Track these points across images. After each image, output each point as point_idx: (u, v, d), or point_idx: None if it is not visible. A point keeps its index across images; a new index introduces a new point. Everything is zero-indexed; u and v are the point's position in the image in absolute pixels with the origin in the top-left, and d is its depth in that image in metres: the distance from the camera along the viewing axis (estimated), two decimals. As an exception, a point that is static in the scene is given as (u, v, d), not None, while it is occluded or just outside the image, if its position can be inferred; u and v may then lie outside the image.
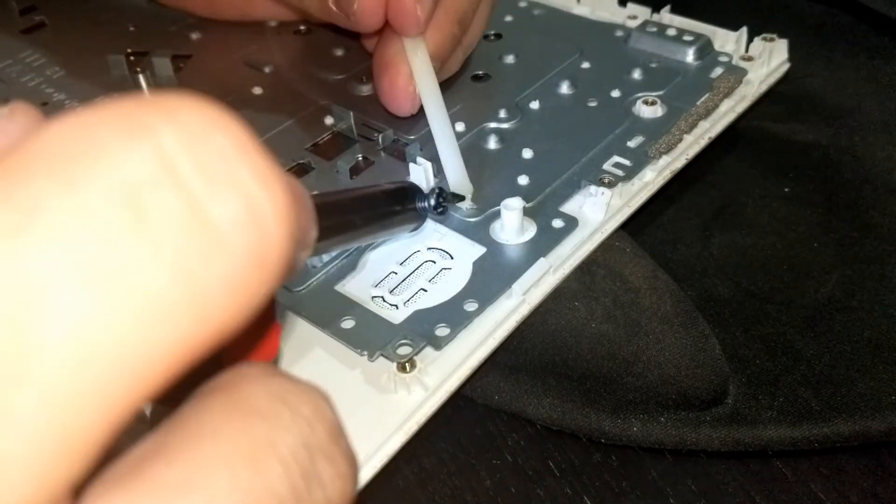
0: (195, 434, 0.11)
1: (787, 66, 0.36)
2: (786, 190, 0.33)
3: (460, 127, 0.32)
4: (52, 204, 0.09)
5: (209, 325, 0.10)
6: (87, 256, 0.09)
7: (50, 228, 0.09)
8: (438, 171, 0.30)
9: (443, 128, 0.29)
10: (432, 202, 0.27)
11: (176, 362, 0.10)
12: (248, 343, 0.15)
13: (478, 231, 0.28)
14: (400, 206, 0.26)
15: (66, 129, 0.10)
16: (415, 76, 0.31)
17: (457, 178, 0.29)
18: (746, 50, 0.36)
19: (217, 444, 0.11)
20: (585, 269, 0.27)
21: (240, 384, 0.12)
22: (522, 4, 0.41)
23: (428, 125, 0.32)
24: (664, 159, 0.30)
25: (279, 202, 0.10)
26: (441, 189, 0.27)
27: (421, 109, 0.31)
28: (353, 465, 0.13)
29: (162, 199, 0.09)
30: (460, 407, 0.25)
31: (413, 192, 0.26)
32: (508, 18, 0.40)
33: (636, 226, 0.30)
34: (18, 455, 0.09)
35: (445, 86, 0.35)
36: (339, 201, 0.23)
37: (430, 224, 0.28)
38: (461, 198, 0.28)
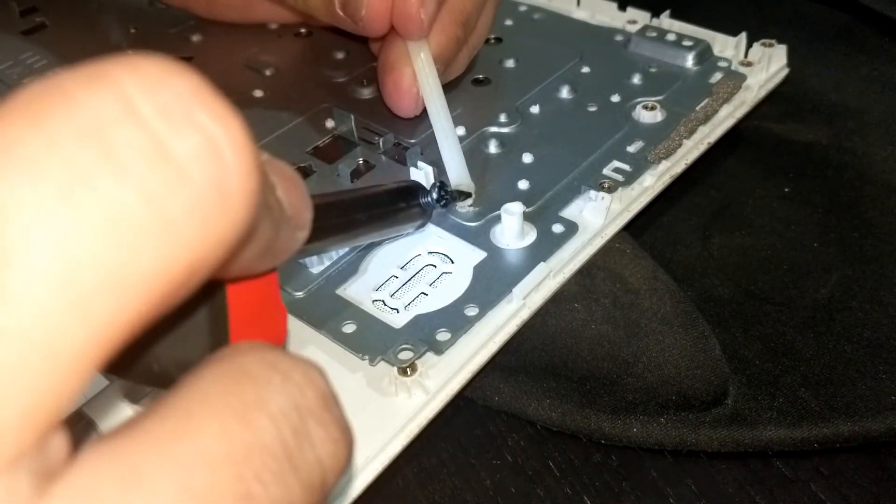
0: (188, 394, 0.12)
1: (786, 71, 0.36)
2: (786, 190, 0.33)
3: (461, 131, 0.33)
4: (25, 140, 0.10)
5: (183, 253, 0.11)
6: (59, 183, 0.10)
7: (24, 160, 0.10)
8: (440, 174, 0.30)
9: (445, 129, 0.30)
10: (435, 195, 0.27)
11: (155, 290, 0.10)
12: (253, 326, 0.16)
13: (478, 235, 0.28)
14: (404, 203, 0.26)
15: (36, 86, 0.10)
16: (418, 78, 0.31)
17: (460, 179, 0.29)
18: (746, 55, 0.36)
19: (208, 402, 0.12)
20: (585, 271, 0.27)
21: (234, 355, 0.13)
22: (522, 9, 0.41)
23: (429, 129, 0.32)
24: (664, 164, 0.30)
25: (235, 137, 0.11)
26: (442, 182, 0.27)
27: (424, 111, 0.31)
28: (345, 432, 0.14)
29: (125, 135, 0.10)
30: (460, 408, 0.25)
31: (416, 189, 0.27)
32: (508, 22, 0.40)
33: (637, 227, 0.30)
34: (9, 369, 0.09)
35: (446, 89, 0.35)
36: (345, 200, 0.23)
37: (430, 228, 0.28)
38: (468, 195, 0.28)
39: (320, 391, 0.13)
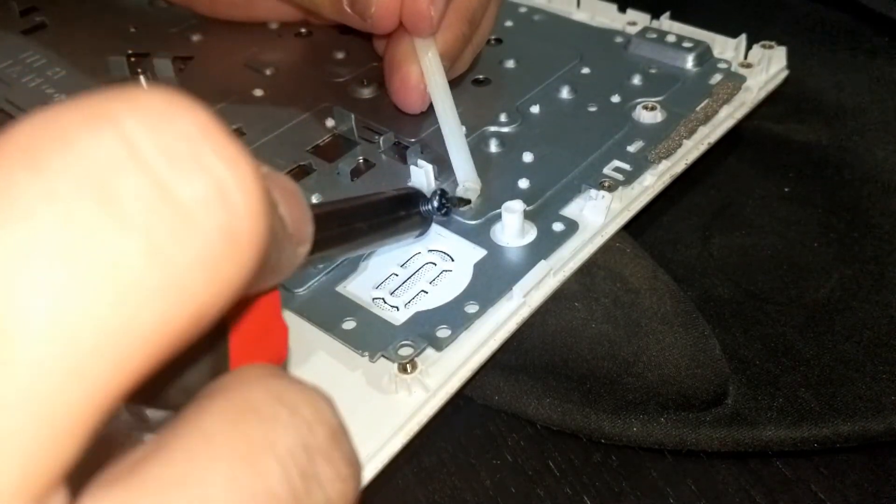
0: (192, 434, 0.11)
1: (785, 72, 0.36)
2: (786, 190, 0.33)
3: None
4: (22, 188, 0.09)
5: (188, 305, 0.10)
6: (59, 238, 0.09)
7: (21, 211, 0.09)
8: (440, 173, 0.30)
9: (452, 125, 0.30)
10: (435, 204, 0.27)
11: (159, 344, 0.10)
12: (254, 346, 0.15)
13: (479, 234, 0.28)
14: (404, 212, 0.26)
15: (31, 123, 0.10)
16: (425, 75, 0.31)
17: (466, 175, 0.29)
18: (745, 57, 0.36)
19: (214, 443, 0.11)
20: (586, 270, 0.27)
21: (239, 385, 0.12)
22: (523, 10, 0.41)
23: (430, 128, 0.33)
24: (664, 164, 0.30)
25: (245, 179, 0.11)
26: (443, 191, 0.27)
27: (428, 109, 0.31)
28: (354, 468, 0.13)
29: (128, 181, 0.10)
30: (460, 407, 0.25)
31: (416, 197, 0.26)
32: (509, 23, 0.40)
33: (637, 227, 0.30)
34: (6, 436, 0.09)
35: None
36: (344, 209, 0.23)
37: (431, 226, 0.28)
38: (467, 202, 0.28)
39: (329, 426, 0.13)
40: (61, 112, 0.10)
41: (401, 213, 0.26)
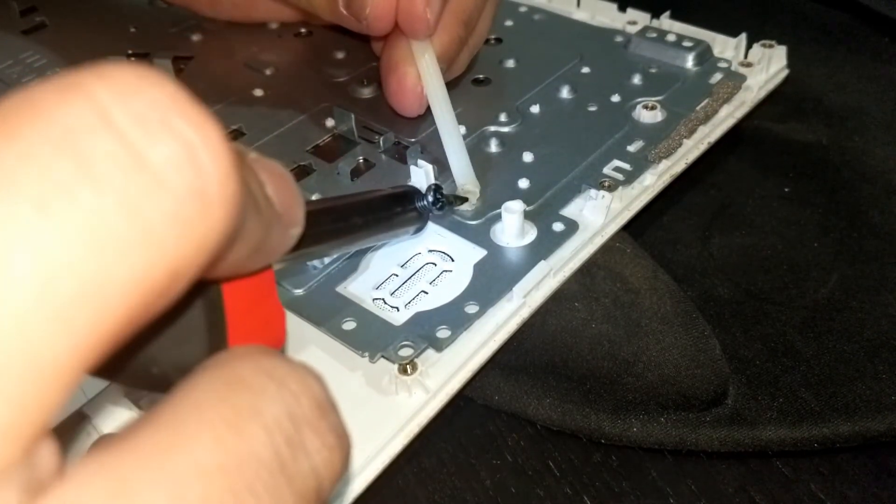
0: (182, 403, 0.12)
1: (785, 72, 0.36)
2: (786, 190, 0.33)
3: (461, 130, 0.32)
4: (0, 155, 0.10)
5: (163, 259, 0.11)
6: (36, 196, 0.10)
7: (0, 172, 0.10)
8: (440, 173, 0.30)
9: (450, 128, 0.30)
10: (430, 199, 0.27)
11: (137, 298, 0.10)
12: (252, 327, 0.16)
13: (478, 234, 0.28)
14: (400, 208, 0.26)
15: (10, 98, 0.10)
16: (422, 77, 0.31)
17: (464, 177, 0.29)
18: (745, 56, 0.36)
19: (201, 412, 0.12)
20: (586, 271, 0.27)
21: (230, 360, 0.13)
22: (523, 9, 0.41)
23: (429, 128, 0.33)
24: (664, 163, 0.30)
25: (212, 142, 0.11)
26: (438, 186, 0.27)
27: (426, 111, 0.31)
28: (341, 439, 0.13)
29: (100, 144, 0.10)
30: (460, 407, 0.25)
31: (412, 193, 0.27)
32: (509, 23, 0.40)
33: (637, 227, 0.30)
34: None
35: (447, 89, 0.35)
36: (341, 204, 0.23)
37: (430, 226, 0.28)
38: (464, 199, 0.28)
39: (316, 398, 0.13)
40: (35, 88, 0.10)
41: (397, 209, 0.26)
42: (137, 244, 0.10)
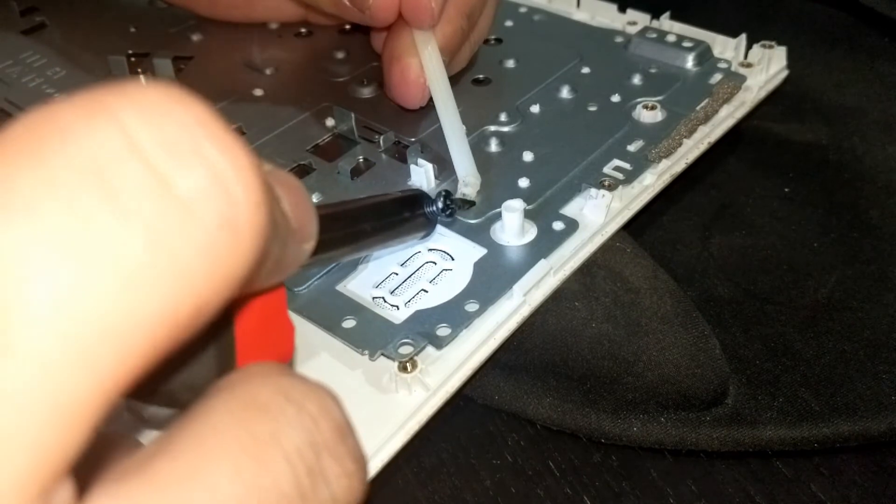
0: (200, 430, 0.11)
1: (785, 72, 0.36)
2: (786, 190, 0.33)
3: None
4: (23, 179, 0.09)
5: (191, 295, 0.10)
6: (60, 229, 0.09)
7: (22, 201, 0.09)
8: (440, 172, 0.30)
9: (452, 120, 0.30)
10: (440, 205, 0.26)
11: (162, 334, 0.10)
12: (261, 344, 0.15)
13: (479, 233, 0.28)
14: (409, 213, 0.26)
15: (31, 119, 0.10)
16: (425, 68, 0.31)
17: (466, 170, 0.29)
18: (745, 57, 0.36)
19: (220, 440, 0.11)
20: (586, 270, 0.27)
21: (246, 382, 0.12)
22: (523, 10, 0.41)
23: (429, 127, 0.33)
24: (664, 163, 0.30)
25: (244, 170, 0.11)
26: (447, 192, 0.27)
27: (428, 105, 0.31)
28: (360, 464, 0.13)
29: (127, 172, 0.10)
30: (460, 407, 0.25)
31: (420, 198, 0.26)
32: (509, 23, 0.40)
33: (637, 226, 0.30)
34: (13, 426, 0.09)
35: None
36: (349, 210, 0.23)
37: (435, 228, 0.28)
38: (472, 203, 0.28)
39: (335, 422, 0.13)
40: (60, 108, 0.10)
41: (405, 215, 0.25)
42: (165, 279, 0.10)
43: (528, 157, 0.31)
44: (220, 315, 0.14)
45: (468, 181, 0.29)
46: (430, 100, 0.32)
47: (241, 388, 0.12)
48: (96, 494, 0.10)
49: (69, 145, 0.10)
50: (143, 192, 0.10)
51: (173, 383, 0.14)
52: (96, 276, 0.09)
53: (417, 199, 0.26)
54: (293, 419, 0.12)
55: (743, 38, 0.36)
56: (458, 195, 0.28)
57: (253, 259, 0.11)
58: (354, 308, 0.25)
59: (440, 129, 0.30)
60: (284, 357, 0.17)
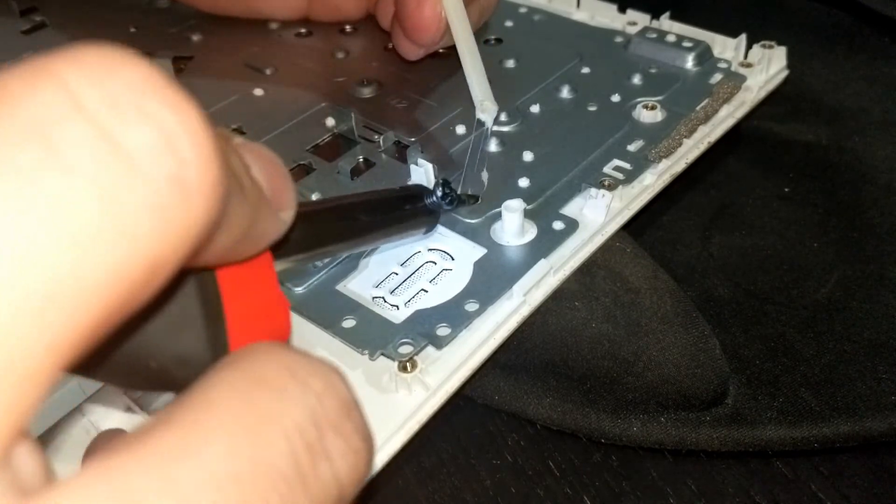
0: (197, 405, 0.11)
1: (785, 72, 0.36)
2: (786, 190, 0.33)
3: (461, 129, 0.33)
4: None
5: (142, 253, 0.10)
6: (3, 189, 0.09)
7: None
8: (440, 171, 0.30)
9: (469, 45, 0.30)
10: (439, 193, 0.26)
11: (114, 293, 0.10)
12: (253, 318, 0.15)
13: (478, 232, 0.28)
14: (409, 206, 0.25)
15: None
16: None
17: (483, 94, 0.29)
18: (745, 57, 0.36)
19: (217, 415, 0.11)
20: (586, 270, 0.27)
21: (251, 358, 0.12)
22: (522, 10, 0.41)
23: (429, 127, 0.33)
24: (664, 163, 0.30)
25: (191, 125, 0.10)
26: (446, 180, 0.27)
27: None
28: (366, 441, 0.13)
29: (72, 130, 0.10)
30: (460, 407, 0.25)
31: (421, 191, 0.26)
32: (509, 24, 0.40)
33: (637, 226, 0.30)
34: None
35: (447, 90, 0.35)
36: (348, 203, 0.23)
37: (438, 222, 0.28)
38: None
39: (340, 399, 0.13)
40: (5, 74, 0.10)
41: (406, 207, 0.25)
42: (112, 236, 0.10)
43: (528, 156, 0.31)
44: (205, 286, 0.14)
45: (485, 106, 0.29)
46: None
47: (245, 363, 0.12)
48: (84, 469, 0.10)
49: (13, 108, 0.09)
50: (87, 150, 0.10)
51: (167, 362, 0.14)
52: (41, 232, 0.09)
53: (418, 192, 0.26)
54: (296, 396, 0.12)
55: (743, 38, 0.36)
56: (476, 118, 0.28)
57: (207, 218, 0.11)
58: (354, 308, 0.25)
59: (440, 128, 0.30)
60: (282, 335, 0.16)
